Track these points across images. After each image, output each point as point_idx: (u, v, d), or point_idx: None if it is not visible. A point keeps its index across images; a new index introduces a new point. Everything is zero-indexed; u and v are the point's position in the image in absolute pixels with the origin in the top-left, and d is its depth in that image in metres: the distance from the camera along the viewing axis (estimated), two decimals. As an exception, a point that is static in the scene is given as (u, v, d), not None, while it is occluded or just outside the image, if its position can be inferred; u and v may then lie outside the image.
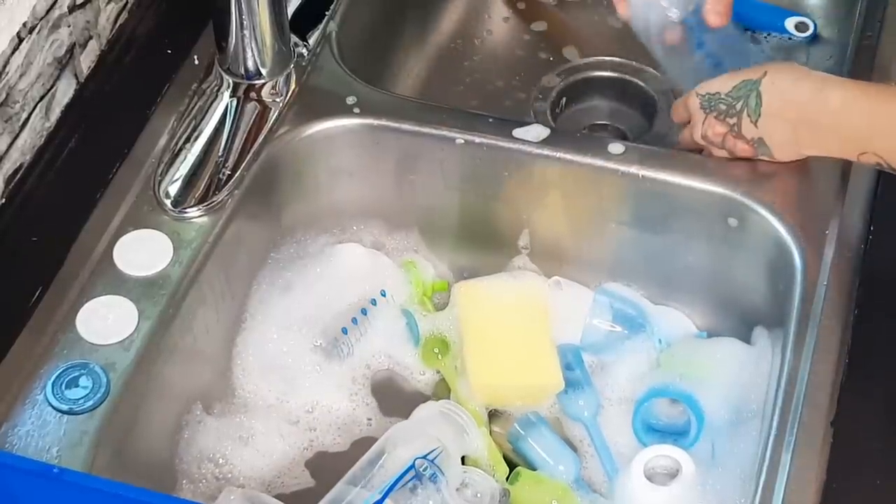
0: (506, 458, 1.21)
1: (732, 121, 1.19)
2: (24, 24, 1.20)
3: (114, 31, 1.34)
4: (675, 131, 1.44)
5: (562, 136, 1.31)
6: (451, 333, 1.29)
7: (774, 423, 1.09)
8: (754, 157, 1.21)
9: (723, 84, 1.20)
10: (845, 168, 1.24)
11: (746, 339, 1.25)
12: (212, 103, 1.30)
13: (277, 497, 1.17)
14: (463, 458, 1.20)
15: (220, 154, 1.27)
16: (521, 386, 1.26)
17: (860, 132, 1.12)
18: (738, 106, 1.18)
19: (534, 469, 1.21)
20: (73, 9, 1.26)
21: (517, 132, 1.28)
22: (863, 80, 1.18)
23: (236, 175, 1.25)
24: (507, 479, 1.19)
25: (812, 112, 1.14)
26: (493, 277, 1.32)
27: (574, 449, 1.23)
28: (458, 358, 1.27)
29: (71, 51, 1.28)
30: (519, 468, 1.20)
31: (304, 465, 1.23)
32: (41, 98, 1.24)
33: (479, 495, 1.16)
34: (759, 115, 1.17)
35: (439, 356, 1.28)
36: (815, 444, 1.07)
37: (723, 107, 1.19)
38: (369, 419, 1.27)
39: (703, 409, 1.20)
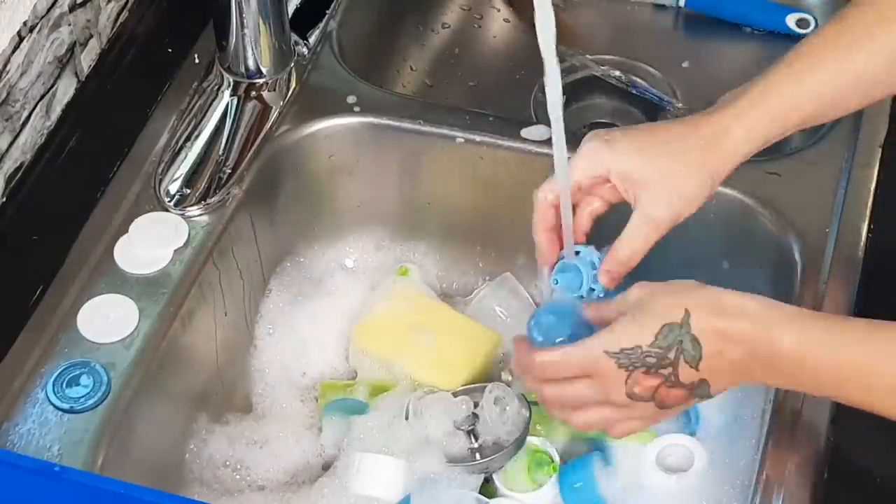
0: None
1: (667, 371, 0.99)
2: (25, 23, 1.20)
3: (114, 29, 1.34)
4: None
5: (563, 135, 1.30)
6: (380, 373, 1.27)
7: (775, 423, 1.09)
8: (685, 403, 1.02)
9: (636, 336, 0.99)
10: (845, 168, 1.24)
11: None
12: (212, 102, 1.30)
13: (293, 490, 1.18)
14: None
15: (220, 153, 1.27)
16: (473, 358, 1.26)
17: (825, 379, 0.97)
18: (672, 355, 0.98)
19: None
20: (73, 8, 1.26)
21: (520, 132, 1.29)
22: (809, 310, 1.02)
23: (237, 174, 1.26)
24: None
25: (763, 353, 0.97)
26: (374, 302, 1.31)
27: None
28: (407, 379, 1.25)
29: (71, 49, 1.28)
30: None
31: (319, 467, 1.24)
32: (42, 97, 1.24)
33: (507, 408, 1.18)
34: (700, 357, 0.98)
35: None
36: (816, 443, 1.07)
37: (651, 360, 0.99)
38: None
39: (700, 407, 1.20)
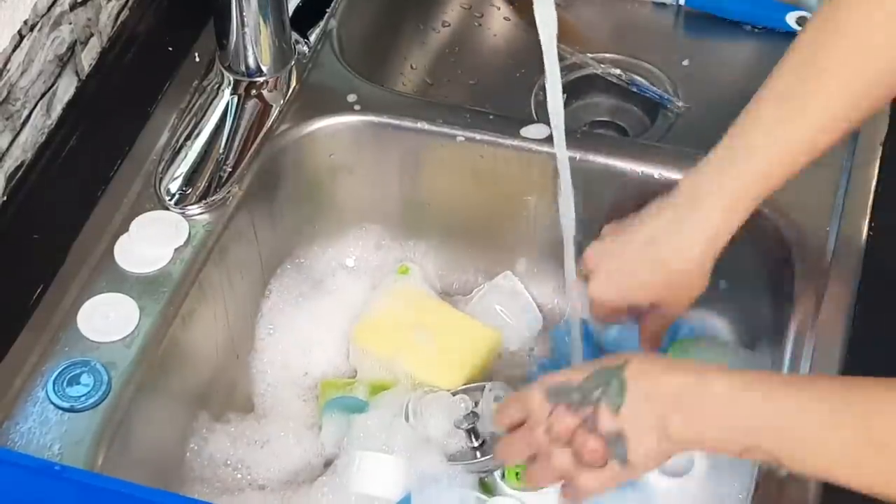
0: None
1: (587, 411, 0.98)
2: (26, 22, 1.20)
3: (115, 28, 1.34)
4: (677, 127, 1.45)
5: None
6: (381, 372, 1.27)
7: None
8: (601, 464, 0.99)
9: (573, 374, 1.01)
10: (845, 167, 1.24)
11: (746, 338, 1.25)
12: (212, 101, 1.30)
13: (293, 489, 1.18)
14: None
15: (220, 151, 1.27)
16: (473, 357, 1.27)
17: (747, 423, 0.93)
18: (596, 395, 0.98)
19: None
20: (74, 6, 1.26)
21: (521, 131, 1.29)
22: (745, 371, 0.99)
23: (237, 172, 1.26)
24: None
25: (690, 398, 0.95)
26: (374, 302, 1.31)
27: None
28: (407, 378, 1.26)
29: (72, 48, 1.28)
30: None
31: (320, 467, 1.24)
32: (42, 95, 1.24)
33: None
34: (623, 402, 0.97)
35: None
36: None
37: (576, 397, 0.99)
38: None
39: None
